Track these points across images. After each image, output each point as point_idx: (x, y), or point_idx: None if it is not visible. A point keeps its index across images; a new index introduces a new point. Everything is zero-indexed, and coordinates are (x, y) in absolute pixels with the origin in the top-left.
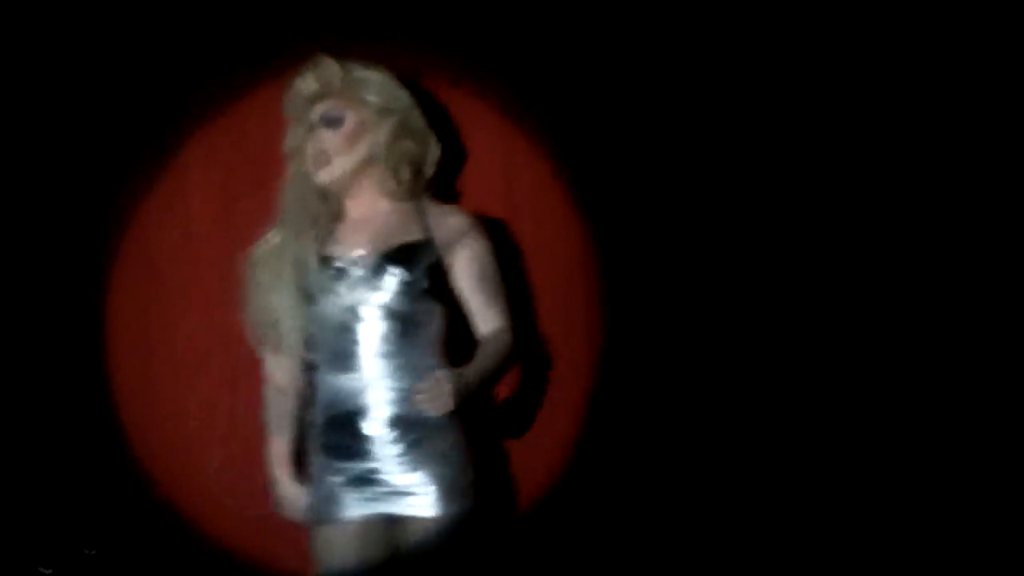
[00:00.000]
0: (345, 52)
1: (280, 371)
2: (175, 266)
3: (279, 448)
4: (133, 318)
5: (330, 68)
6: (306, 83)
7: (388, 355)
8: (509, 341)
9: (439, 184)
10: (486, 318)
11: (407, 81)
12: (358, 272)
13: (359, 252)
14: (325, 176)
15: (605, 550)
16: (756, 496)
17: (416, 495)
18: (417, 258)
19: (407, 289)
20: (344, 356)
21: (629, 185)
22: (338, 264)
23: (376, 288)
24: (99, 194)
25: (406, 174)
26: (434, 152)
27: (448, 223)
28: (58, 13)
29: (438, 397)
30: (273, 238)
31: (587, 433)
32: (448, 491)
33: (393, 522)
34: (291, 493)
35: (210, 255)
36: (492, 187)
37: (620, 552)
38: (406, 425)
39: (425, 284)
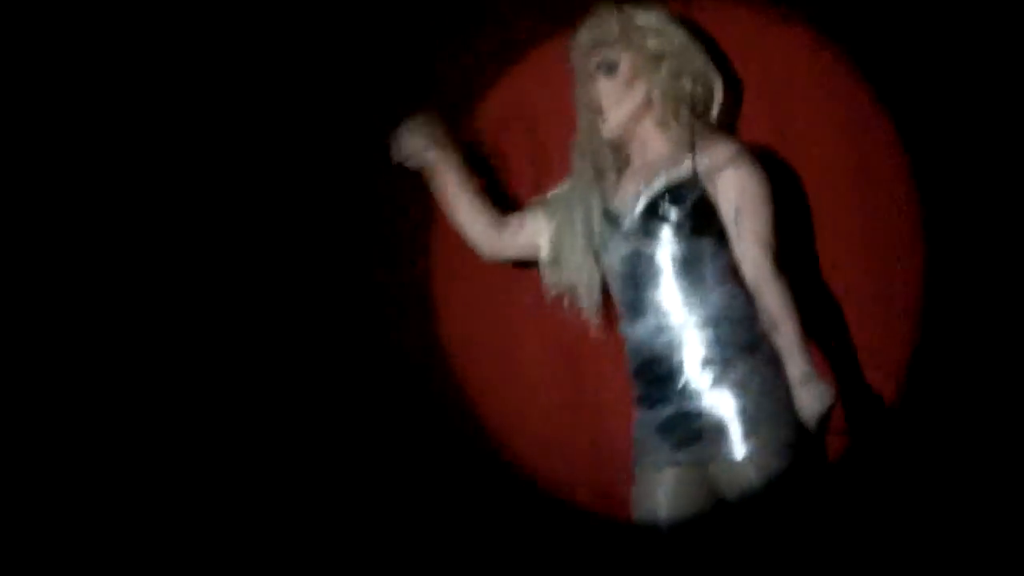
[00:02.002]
0: None
1: None
2: None
3: None
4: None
5: (607, 15)
6: (584, 33)
7: (674, 297)
8: (774, 304)
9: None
10: (739, 255)
11: (687, 22)
12: (630, 222)
13: (631, 202)
14: (606, 129)
15: (923, 496)
16: None
17: (723, 434)
18: (682, 198)
19: (678, 230)
20: (634, 305)
21: (955, 117)
22: (615, 217)
23: (648, 235)
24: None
25: (685, 114)
26: (718, 91)
27: (714, 151)
28: None
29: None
30: (565, 191)
31: (909, 383)
32: (756, 426)
33: (707, 466)
34: None
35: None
36: (809, 117)
37: (936, 500)
38: (705, 364)
39: (693, 224)
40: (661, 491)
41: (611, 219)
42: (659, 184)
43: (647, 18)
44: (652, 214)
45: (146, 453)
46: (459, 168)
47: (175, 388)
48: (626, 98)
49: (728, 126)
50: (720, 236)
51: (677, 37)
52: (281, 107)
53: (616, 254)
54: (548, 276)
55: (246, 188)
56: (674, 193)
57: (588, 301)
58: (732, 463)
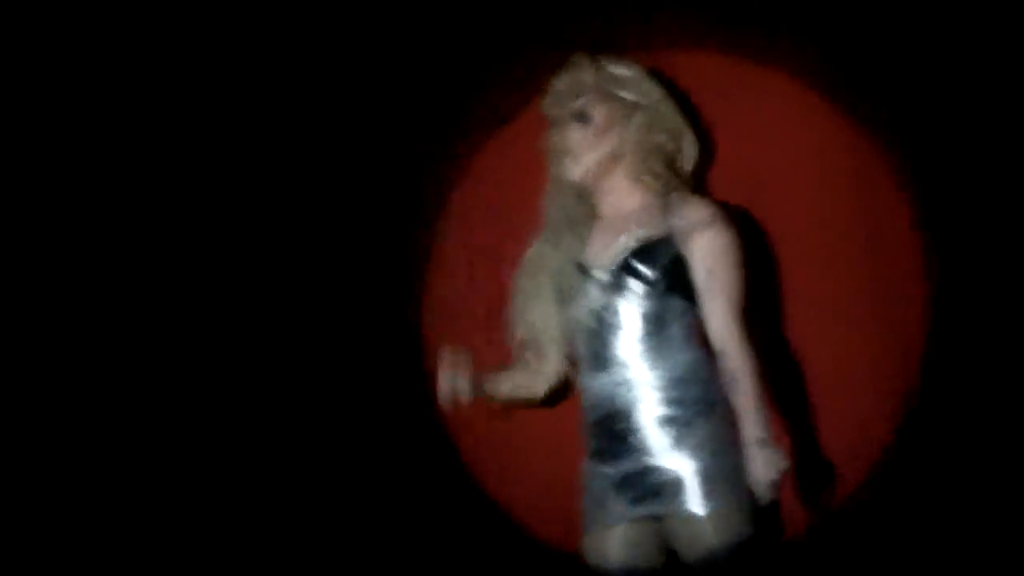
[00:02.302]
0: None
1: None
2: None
3: None
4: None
5: (582, 66)
6: (560, 81)
7: (641, 354)
8: (738, 366)
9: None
10: (707, 315)
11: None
12: (603, 275)
13: (604, 255)
14: (573, 171)
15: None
16: None
17: (681, 492)
18: (657, 256)
19: (650, 288)
20: (598, 359)
21: (969, 173)
22: (586, 269)
23: (620, 289)
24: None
25: (658, 168)
26: (689, 146)
27: (688, 214)
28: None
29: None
30: (536, 247)
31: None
32: (714, 486)
33: (661, 521)
34: None
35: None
36: (809, 171)
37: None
38: (666, 422)
39: (667, 282)
40: (615, 544)
41: (582, 271)
42: (635, 240)
43: (623, 70)
44: (627, 270)
45: (135, 449)
46: (494, 390)
47: (167, 393)
48: (597, 147)
49: (698, 181)
50: (690, 295)
51: (652, 91)
52: (289, 119)
53: (585, 307)
54: (512, 324)
55: (239, 206)
56: (649, 251)
57: (553, 352)
58: (689, 520)
